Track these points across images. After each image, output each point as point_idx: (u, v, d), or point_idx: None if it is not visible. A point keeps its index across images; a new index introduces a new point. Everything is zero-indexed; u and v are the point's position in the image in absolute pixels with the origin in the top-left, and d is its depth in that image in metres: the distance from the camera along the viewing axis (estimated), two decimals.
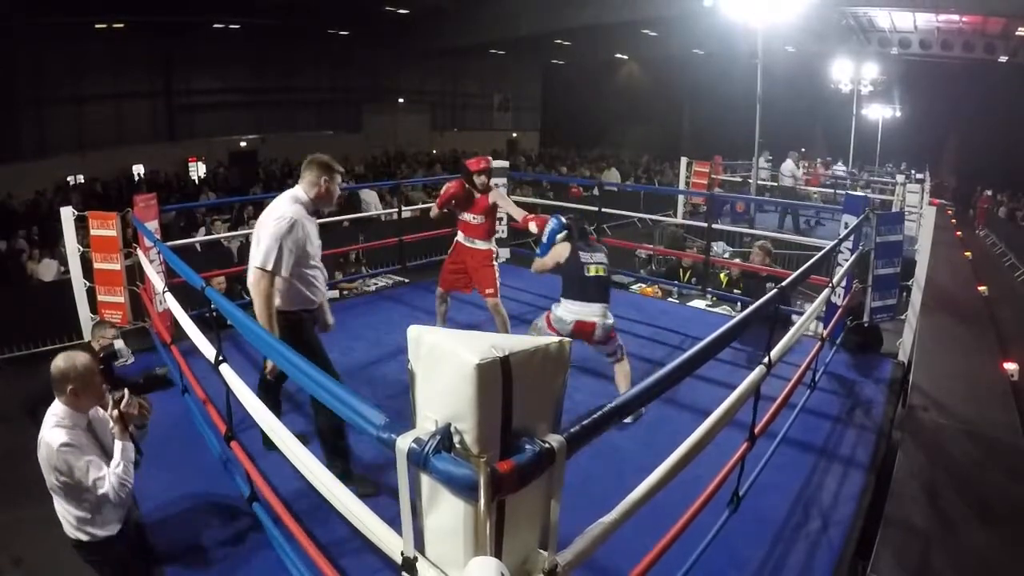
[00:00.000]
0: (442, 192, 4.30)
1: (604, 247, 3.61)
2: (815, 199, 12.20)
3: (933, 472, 2.96)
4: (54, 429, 2.02)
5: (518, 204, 4.52)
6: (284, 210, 2.65)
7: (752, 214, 10.23)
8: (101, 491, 2.04)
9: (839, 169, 16.17)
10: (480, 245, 4.23)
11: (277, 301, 2.65)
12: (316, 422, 2.79)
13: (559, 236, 3.58)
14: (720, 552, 2.26)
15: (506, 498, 1.08)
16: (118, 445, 2.11)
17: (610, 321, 3.43)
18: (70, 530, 2.12)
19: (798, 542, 2.59)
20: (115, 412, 2.10)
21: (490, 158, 4.24)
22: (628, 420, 3.32)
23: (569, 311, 3.39)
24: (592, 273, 3.40)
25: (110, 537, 2.14)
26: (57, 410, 2.07)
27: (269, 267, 2.57)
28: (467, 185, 4.15)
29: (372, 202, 8.38)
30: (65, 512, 2.10)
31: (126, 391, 2.13)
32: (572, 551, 1.31)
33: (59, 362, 2.06)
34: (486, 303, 4.26)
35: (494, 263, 4.24)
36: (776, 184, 12.41)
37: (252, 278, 2.61)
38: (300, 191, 2.76)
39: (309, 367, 1.55)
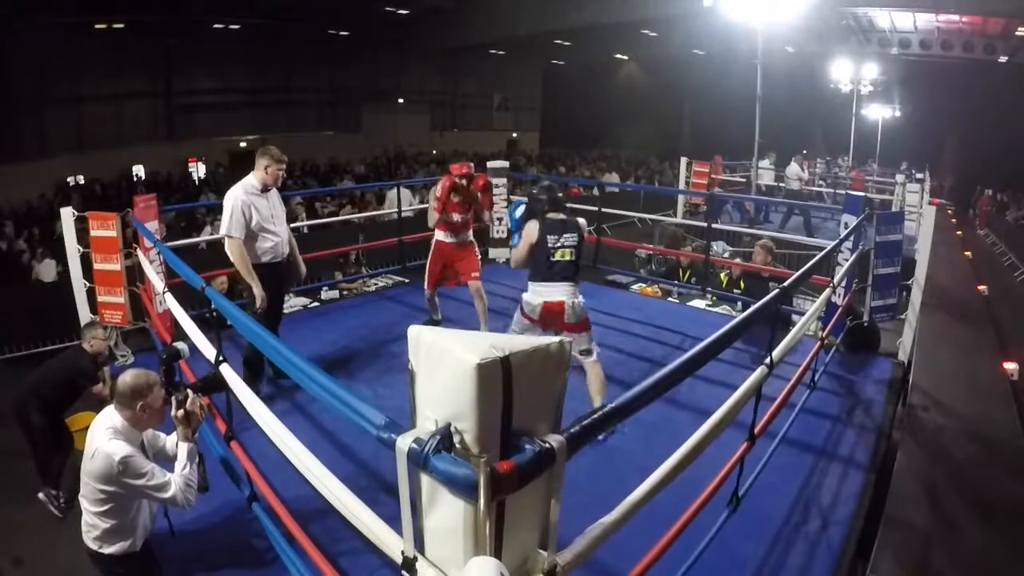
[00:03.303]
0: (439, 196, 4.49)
1: (578, 223, 3.43)
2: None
3: (933, 472, 2.95)
4: (113, 441, 1.98)
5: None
6: (231, 193, 3.59)
7: (752, 214, 10.21)
8: (166, 495, 2.01)
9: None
10: (467, 237, 4.58)
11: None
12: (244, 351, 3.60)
13: (523, 217, 3.53)
14: (720, 552, 2.25)
15: (506, 498, 1.08)
16: (182, 446, 2.09)
17: (580, 301, 3.32)
18: (94, 543, 2.05)
19: (798, 542, 2.59)
20: (180, 412, 2.08)
21: (471, 164, 4.64)
22: (600, 437, 3.05)
23: (536, 293, 3.33)
24: (557, 258, 3.32)
25: (134, 552, 2.10)
26: (116, 423, 2.03)
27: (228, 231, 3.50)
28: (453, 186, 4.40)
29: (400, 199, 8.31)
30: (97, 522, 2.03)
31: (189, 392, 2.12)
32: (572, 551, 1.31)
33: (128, 378, 2.03)
34: (470, 287, 4.48)
35: (476, 251, 4.62)
36: (778, 185, 12.40)
37: (226, 246, 3.52)
38: (251, 175, 3.65)
39: (309, 366, 1.56)
